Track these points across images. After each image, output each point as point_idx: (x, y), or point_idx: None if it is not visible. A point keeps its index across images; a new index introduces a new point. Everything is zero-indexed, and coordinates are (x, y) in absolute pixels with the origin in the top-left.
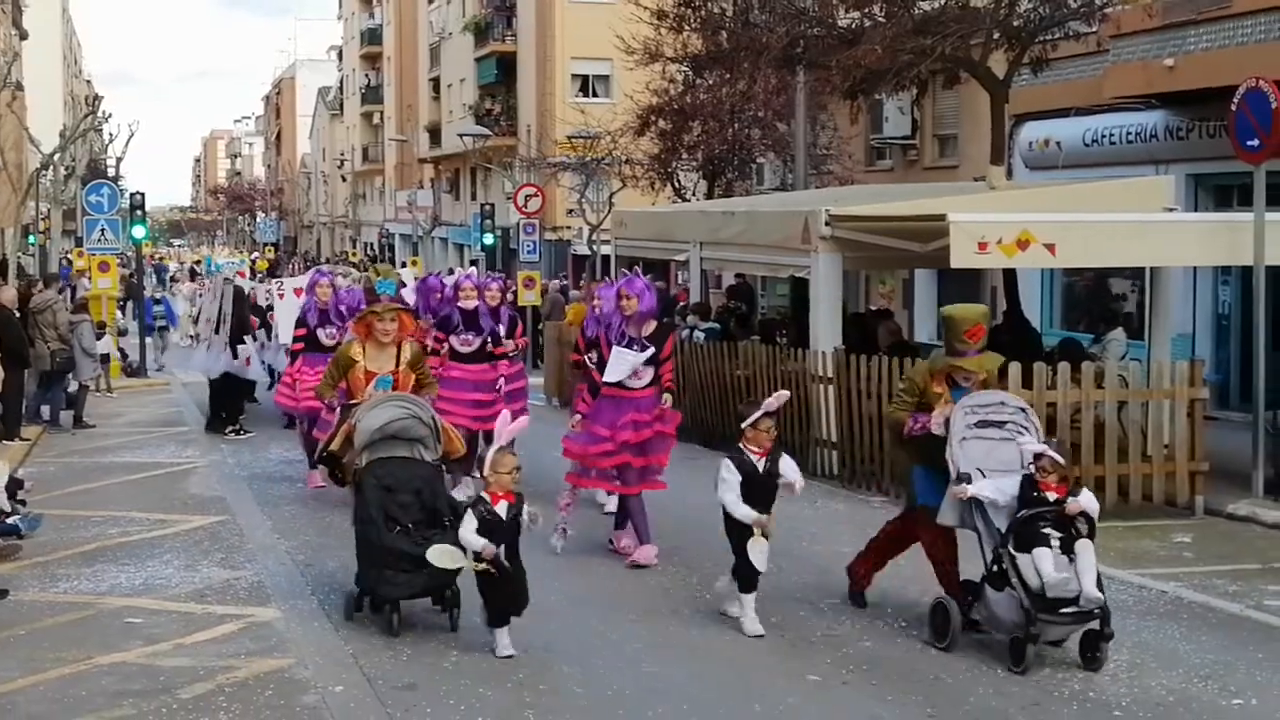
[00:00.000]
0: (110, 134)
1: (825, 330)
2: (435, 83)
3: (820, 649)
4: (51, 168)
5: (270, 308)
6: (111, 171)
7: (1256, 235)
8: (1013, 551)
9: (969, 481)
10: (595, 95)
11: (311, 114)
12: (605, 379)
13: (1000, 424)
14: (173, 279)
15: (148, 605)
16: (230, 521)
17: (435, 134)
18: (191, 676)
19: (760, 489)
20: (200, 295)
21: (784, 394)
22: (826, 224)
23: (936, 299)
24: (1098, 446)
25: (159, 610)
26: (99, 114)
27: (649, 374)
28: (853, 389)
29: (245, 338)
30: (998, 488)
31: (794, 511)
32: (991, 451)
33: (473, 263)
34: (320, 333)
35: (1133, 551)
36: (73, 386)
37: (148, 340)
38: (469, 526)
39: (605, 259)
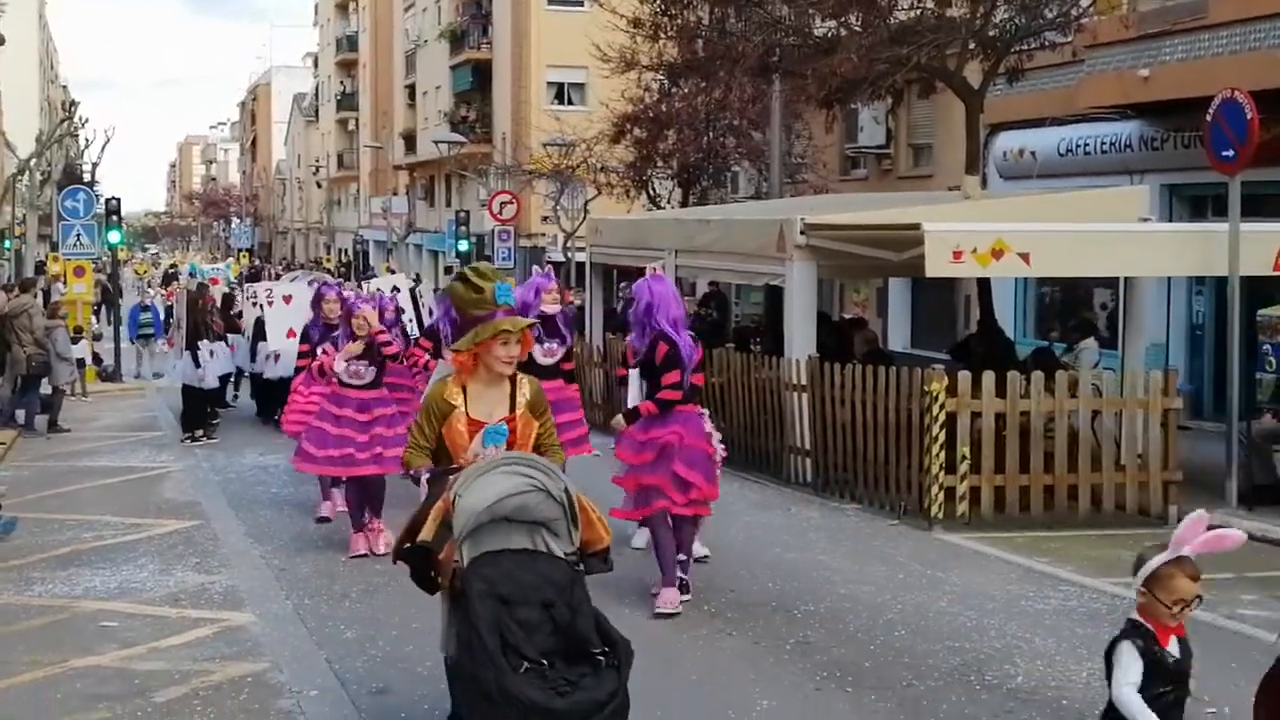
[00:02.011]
0: (86, 139)
1: (800, 338)
2: (411, 90)
3: (793, 656)
4: (27, 173)
5: (239, 314)
6: (87, 177)
7: (1231, 245)
8: None
9: None
10: (571, 103)
11: (287, 120)
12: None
13: None
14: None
15: (122, 609)
16: (204, 526)
17: (410, 141)
18: (166, 680)
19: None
20: (171, 302)
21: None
22: (802, 232)
23: (911, 308)
24: (1071, 456)
25: (134, 614)
26: (75, 119)
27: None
28: (827, 397)
29: (200, 343)
30: None
31: (767, 520)
32: None
33: (447, 270)
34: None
35: (1106, 560)
36: (48, 390)
37: (134, 347)
38: (1129, 674)
39: (580, 266)
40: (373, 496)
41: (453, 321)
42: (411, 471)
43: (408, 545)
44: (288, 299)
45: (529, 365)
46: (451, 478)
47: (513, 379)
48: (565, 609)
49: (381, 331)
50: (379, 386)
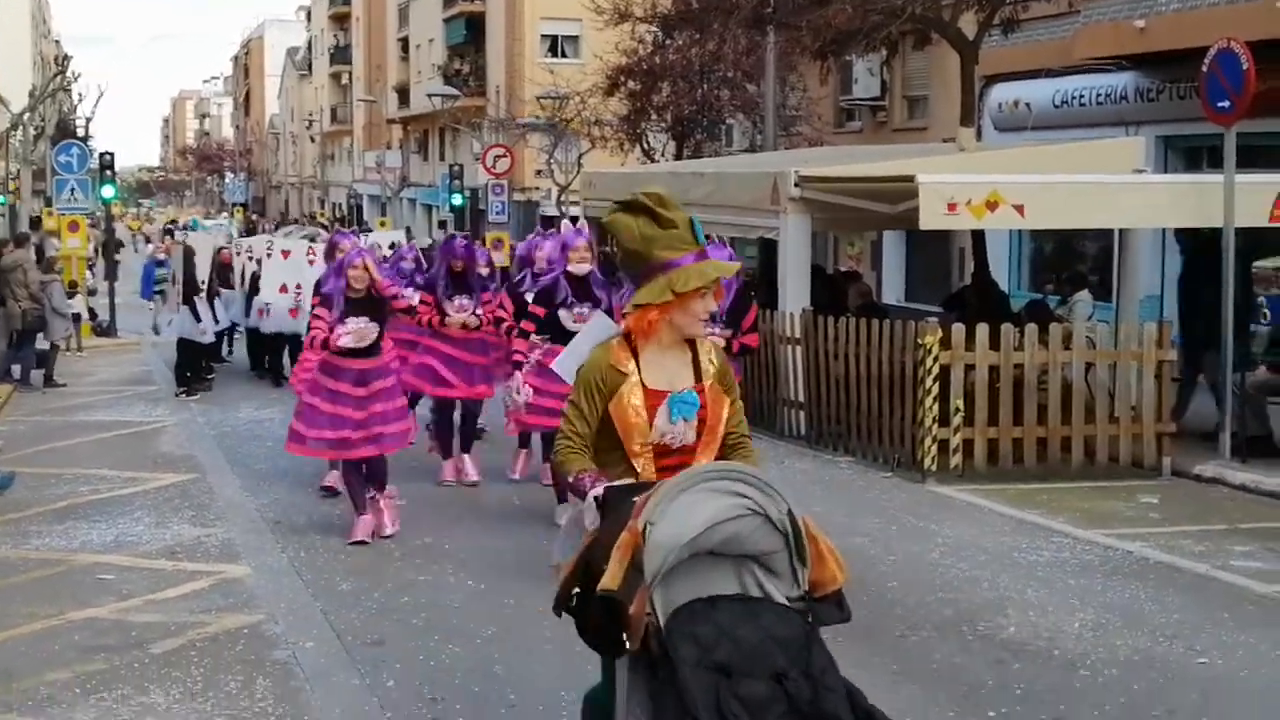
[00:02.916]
0: (79, 94)
1: (793, 291)
2: (404, 43)
3: None
4: (20, 128)
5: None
6: (81, 132)
7: (1226, 197)
8: None
9: None
10: (564, 56)
11: (280, 74)
12: None
13: None
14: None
15: (119, 562)
16: (200, 479)
17: (404, 94)
18: (163, 632)
19: None
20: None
21: None
22: (795, 185)
23: (905, 261)
24: (1065, 408)
25: (130, 566)
26: (68, 74)
27: None
28: (821, 350)
29: (196, 298)
30: None
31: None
32: None
33: (441, 224)
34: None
35: (1099, 512)
36: (43, 345)
37: (150, 304)
38: None
39: (574, 220)
40: (375, 474)
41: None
42: (573, 479)
43: (577, 591)
44: (285, 254)
45: (559, 333)
46: (635, 498)
47: (693, 343)
48: (803, 681)
49: (390, 284)
50: (378, 353)
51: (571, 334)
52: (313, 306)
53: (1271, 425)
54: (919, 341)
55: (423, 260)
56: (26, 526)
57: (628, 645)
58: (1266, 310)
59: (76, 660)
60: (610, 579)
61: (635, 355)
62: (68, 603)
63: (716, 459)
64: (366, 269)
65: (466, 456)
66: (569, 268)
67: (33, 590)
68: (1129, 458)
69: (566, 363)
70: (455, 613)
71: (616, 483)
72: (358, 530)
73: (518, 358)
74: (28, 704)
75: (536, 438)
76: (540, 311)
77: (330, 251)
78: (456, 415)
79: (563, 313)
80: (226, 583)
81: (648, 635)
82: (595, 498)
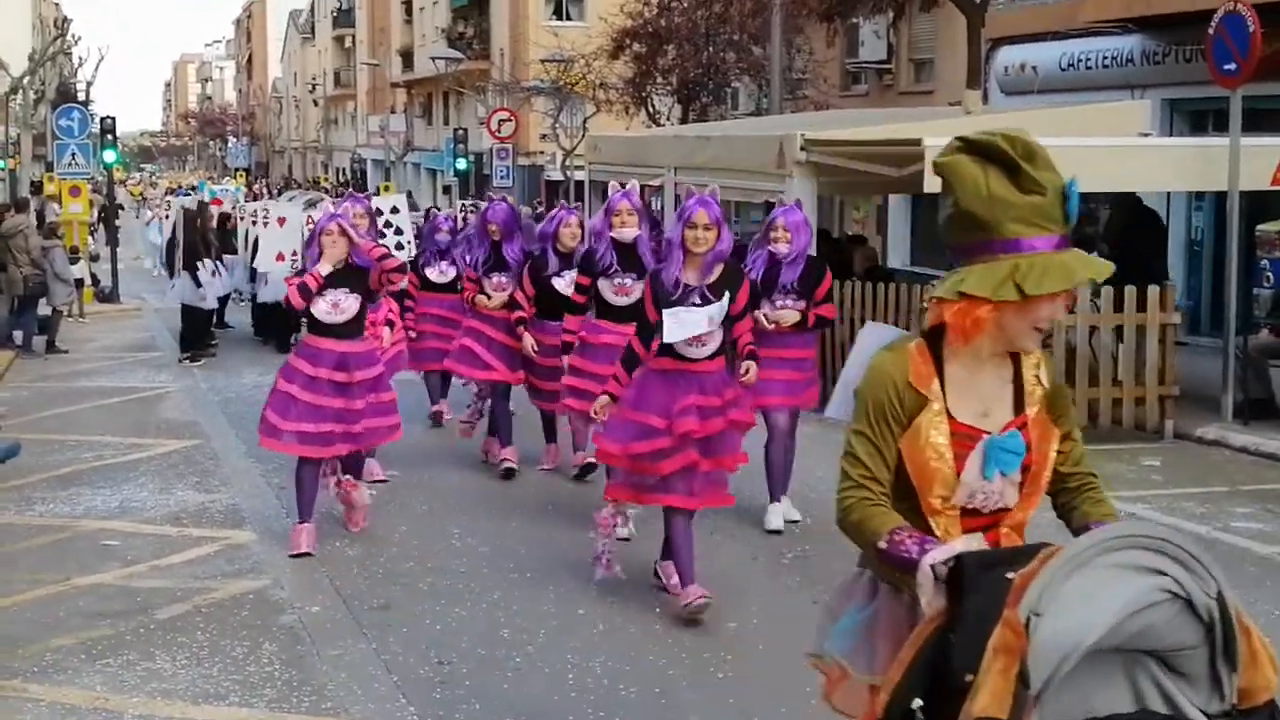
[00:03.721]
0: (80, 58)
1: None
2: (408, 5)
3: (791, 570)
4: (20, 92)
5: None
6: (81, 96)
7: (1231, 160)
8: None
9: None
10: (569, 18)
11: (283, 38)
12: (666, 339)
13: None
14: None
15: (124, 528)
16: (204, 445)
17: (408, 58)
18: (168, 597)
19: None
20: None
21: None
22: (802, 149)
23: (910, 225)
24: (1068, 371)
25: (135, 533)
26: (68, 37)
27: (716, 339)
28: None
29: (199, 263)
30: None
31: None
32: None
33: (445, 189)
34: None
35: (1103, 474)
36: (45, 311)
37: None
38: None
39: (579, 184)
40: (350, 465)
41: (490, 243)
42: (885, 545)
43: (919, 705)
44: (281, 220)
45: (601, 306)
46: (1009, 572)
47: (1015, 355)
48: None
49: (372, 245)
50: (361, 333)
51: (613, 308)
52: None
53: (1273, 388)
54: (925, 305)
55: (405, 230)
56: (30, 493)
57: None
58: (1269, 274)
59: (82, 626)
60: (992, 700)
61: (939, 369)
62: (73, 569)
63: (1059, 506)
64: (343, 233)
65: (495, 440)
66: (612, 233)
67: (37, 557)
68: (1132, 421)
69: (841, 395)
70: (460, 577)
71: (973, 547)
72: (301, 540)
73: (568, 338)
74: (33, 670)
75: (564, 429)
76: (585, 281)
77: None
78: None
79: (603, 283)
80: (232, 548)
81: None
82: (937, 567)
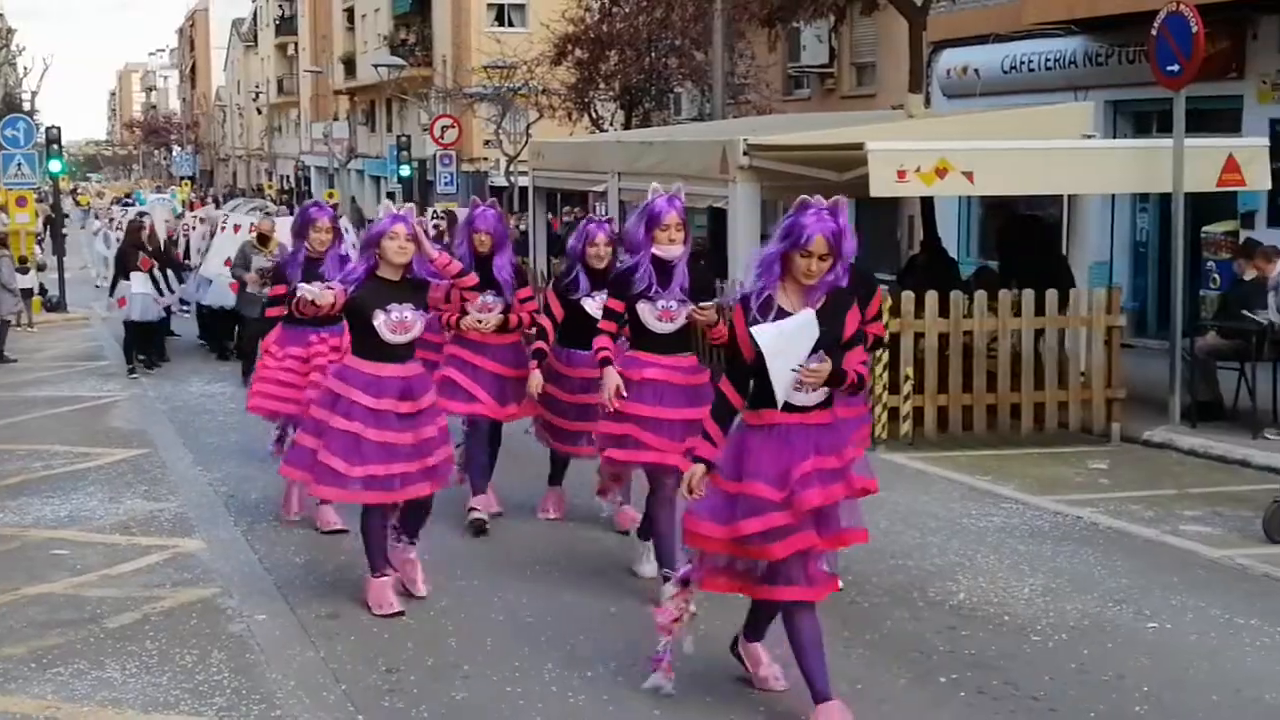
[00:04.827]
0: (25, 68)
1: (744, 260)
2: (349, 13)
3: None
4: None
5: (170, 241)
6: (27, 106)
7: (1175, 162)
8: None
9: None
10: (511, 25)
11: (226, 46)
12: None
13: None
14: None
15: (73, 537)
16: (153, 454)
17: (350, 65)
18: (118, 607)
19: None
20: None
21: None
22: (745, 153)
23: (855, 228)
24: (1014, 375)
25: (85, 542)
26: (12, 48)
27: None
28: None
29: (132, 275)
30: None
31: None
32: None
33: (389, 195)
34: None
35: (1049, 478)
36: None
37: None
38: None
39: (523, 190)
40: (417, 518)
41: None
42: None
43: None
44: (237, 228)
45: (640, 335)
46: None
47: None
48: None
49: (447, 259)
50: (413, 355)
51: (655, 337)
52: (283, 298)
53: (1221, 390)
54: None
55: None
56: None
57: None
58: (1216, 275)
59: (32, 636)
60: None
61: None
62: (22, 578)
63: None
64: (413, 238)
65: (552, 491)
66: (655, 250)
67: None
68: (1078, 424)
69: (782, 381)
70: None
71: None
72: (385, 598)
73: (604, 354)
74: None
75: (575, 473)
76: (618, 306)
77: (303, 227)
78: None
79: (643, 306)
80: (180, 557)
81: None
82: None
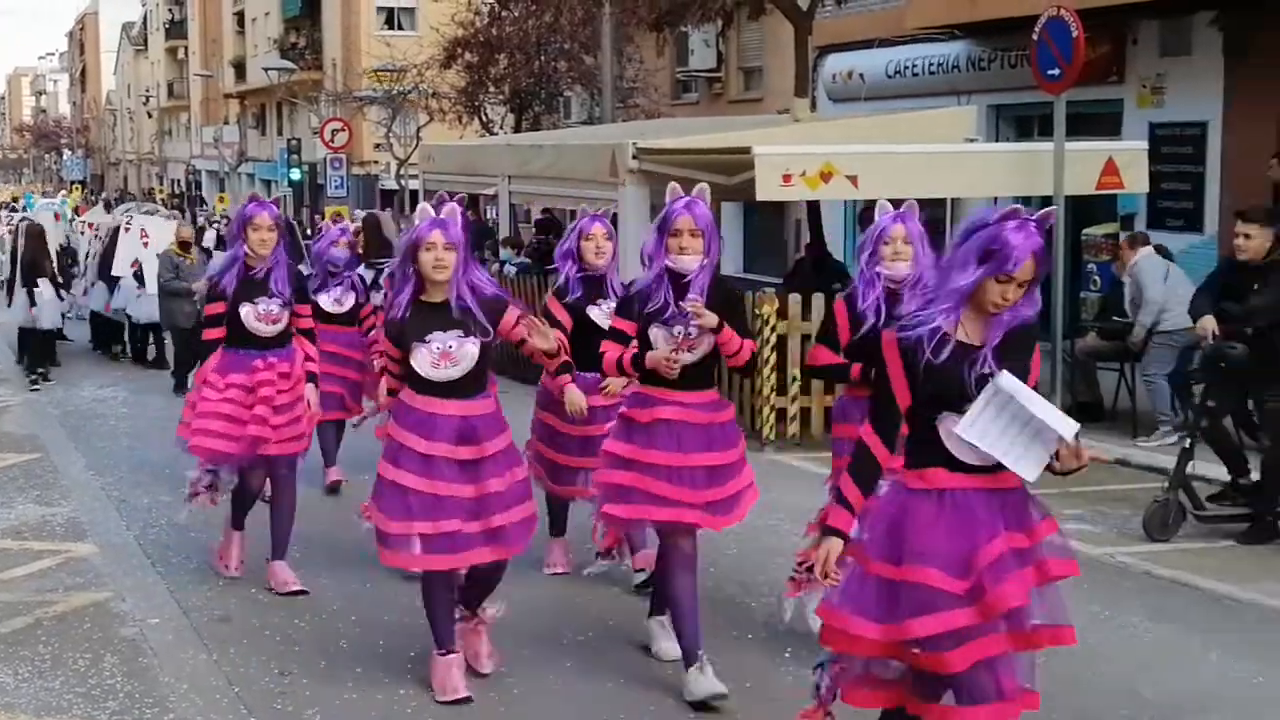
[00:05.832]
0: None
1: (633, 263)
2: (239, 16)
3: (625, 576)
4: None
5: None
6: None
7: (1056, 165)
8: None
9: None
10: (401, 28)
11: (116, 49)
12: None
13: None
14: None
15: None
16: (44, 458)
17: (240, 69)
18: (10, 611)
19: None
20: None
21: None
22: (634, 157)
23: (743, 232)
24: None
25: None
26: None
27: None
28: None
29: (39, 282)
30: None
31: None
32: None
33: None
34: (253, 309)
35: None
36: None
37: None
38: None
39: (414, 193)
40: (484, 587)
41: None
42: None
43: None
44: (144, 231)
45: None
46: None
47: None
48: None
49: (490, 283)
50: (485, 389)
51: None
52: (222, 316)
53: (1101, 391)
54: (756, 312)
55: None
56: None
57: None
58: (1096, 277)
59: None
60: None
61: None
62: None
63: None
64: (452, 247)
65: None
66: (670, 261)
67: None
68: None
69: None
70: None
71: None
72: (450, 681)
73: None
74: None
75: (582, 519)
76: (628, 327)
77: (243, 227)
78: None
79: (657, 332)
80: (73, 561)
81: None
82: None
